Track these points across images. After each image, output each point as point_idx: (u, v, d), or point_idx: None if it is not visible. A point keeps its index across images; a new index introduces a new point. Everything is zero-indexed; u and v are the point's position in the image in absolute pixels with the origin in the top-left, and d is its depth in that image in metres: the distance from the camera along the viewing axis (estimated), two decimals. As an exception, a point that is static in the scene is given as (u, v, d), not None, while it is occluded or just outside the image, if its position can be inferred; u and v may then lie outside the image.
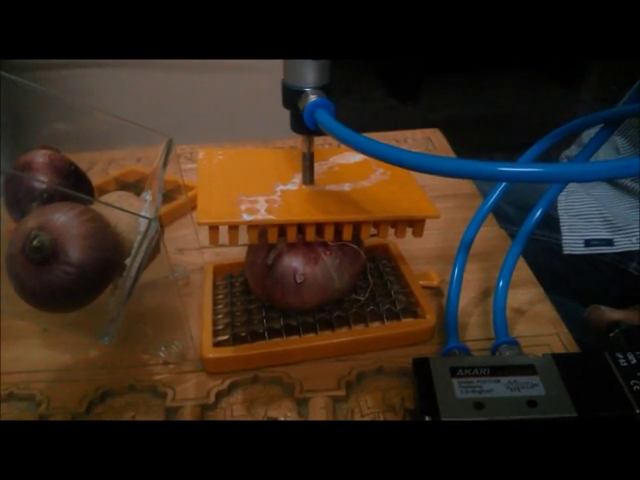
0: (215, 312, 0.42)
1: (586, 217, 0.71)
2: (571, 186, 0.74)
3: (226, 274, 0.46)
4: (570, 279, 0.70)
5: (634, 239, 0.66)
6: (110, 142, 0.64)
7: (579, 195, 0.71)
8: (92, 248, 0.35)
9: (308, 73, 0.35)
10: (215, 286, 0.45)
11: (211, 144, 0.73)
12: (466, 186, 0.60)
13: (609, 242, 0.70)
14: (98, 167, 0.68)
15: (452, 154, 0.69)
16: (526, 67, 2.56)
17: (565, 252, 0.69)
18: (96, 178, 0.62)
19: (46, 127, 0.52)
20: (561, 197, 0.72)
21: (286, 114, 0.37)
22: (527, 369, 0.33)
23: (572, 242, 0.70)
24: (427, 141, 0.71)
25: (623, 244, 0.69)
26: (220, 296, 0.44)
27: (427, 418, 0.31)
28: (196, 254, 0.51)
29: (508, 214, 0.67)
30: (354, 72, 2.44)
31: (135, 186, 0.61)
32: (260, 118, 1.41)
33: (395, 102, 2.38)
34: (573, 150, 0.76)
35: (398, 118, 2.19)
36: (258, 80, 1.39)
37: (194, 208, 0.55)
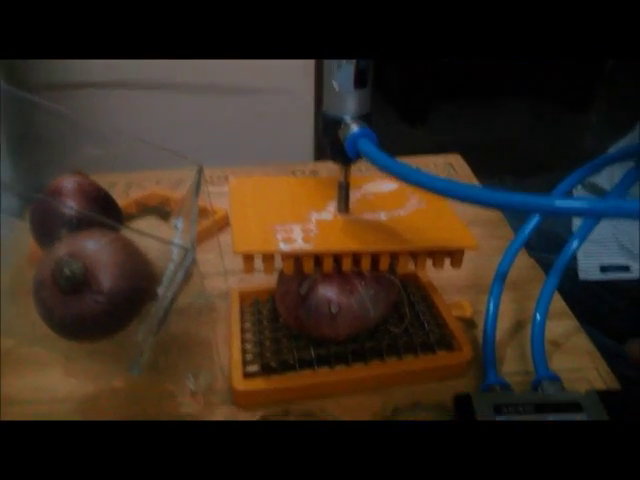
0: (243, 341, 0.41)
1: (602, 243, 0.70)
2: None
3: (253, 300, 0.45)
4: (584, 304, 0.70)
5: None
6: (131, 164, 0.64)
7: None
8: (124, 277, 0.34)
9: (349, 102, 0.34)
10: (242, 313, 0.44)
11: (226, 167, 0.73)
12: (493, 213, 0.60)
13: (625, 268, 0.70)
14: (117, 189, 0.67)
15: (474, 180, 0.68)
16: (534, 91, 2.57)
17: (581, 278, 0.69)
18: (117, 200, 0.61)
19: (72, 151, 0.52)
20: (576, 221, 0.72)
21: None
22: (573, 407, 0.32)
23: (588, 268, 0.70)
24: (449, 167, 0.71)
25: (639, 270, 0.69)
26: (247, 324, 0.43)
27: (474, 459, 0.29)
28: (220, 279, 0.50)
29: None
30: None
31: (157, 209, 0.61)
32: (273, 142, 1.41)
33: (406, 126, 2.38)
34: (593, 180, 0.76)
35: (409, 142, 2.20)
36: (269, 103, 1.39)
37: (220, 231, 0.54)
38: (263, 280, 0.46)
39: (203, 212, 0.52)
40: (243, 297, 0.46)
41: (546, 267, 0.53)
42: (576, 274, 0.69)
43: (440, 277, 0.47)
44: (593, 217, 0.43)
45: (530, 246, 0.62)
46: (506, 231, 0.57)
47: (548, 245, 0.63)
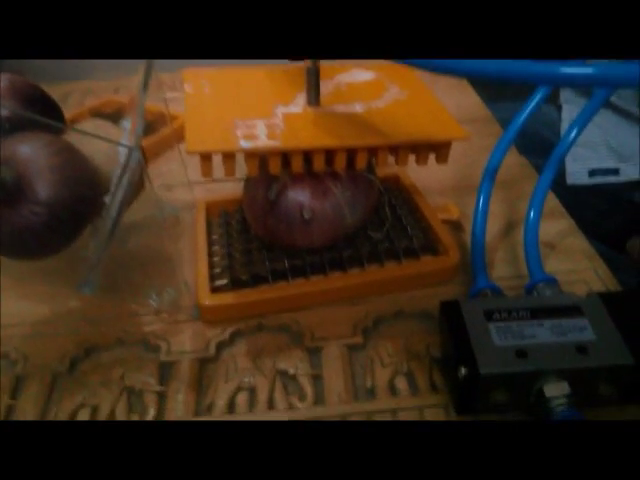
0: (211, 254, 0.38)
1: (590, 146, 0.67)
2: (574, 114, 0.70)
3: (221, 211, 0.42)
4: (572, 209, 0.67)
5: None
6: (85, 71, 0.58)
7: None
8: (63, 183, 0.30)
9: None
10: (209, 225, 0.40)
11: (186, 67, 0.66)
12: (481, 111, 0.55)
13: (615, 171, 0.67)
14: (73, 99, 0.61)
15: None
16: None
17: (569, 183, 0.66)
18: (70, 110, 0.55)
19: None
20: (564, 124, 0.68)
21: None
22: (572, 310, 0.29)
23: (576, 172, 0.67)
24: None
25: (630, 173, 0.66)
26: (215, 236, 0.40)
27: (463, 370, 0.27)
28: (185, 190, 0.46)
29: None
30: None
31: (114, 117, 0.55)
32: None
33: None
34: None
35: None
36: None
37: (181, 140, 0.49)
38: (231, 189, 0.42)
39: (162, 119, 0.47)
40: (210, 208, 0.42)
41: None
42: (564, 179, 0.66)
43: (423, 178, 0.43)
44: (606, 86, 0.38)
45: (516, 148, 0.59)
46: (495, 129, 0.53)
47: (535, 148, 0.60)
